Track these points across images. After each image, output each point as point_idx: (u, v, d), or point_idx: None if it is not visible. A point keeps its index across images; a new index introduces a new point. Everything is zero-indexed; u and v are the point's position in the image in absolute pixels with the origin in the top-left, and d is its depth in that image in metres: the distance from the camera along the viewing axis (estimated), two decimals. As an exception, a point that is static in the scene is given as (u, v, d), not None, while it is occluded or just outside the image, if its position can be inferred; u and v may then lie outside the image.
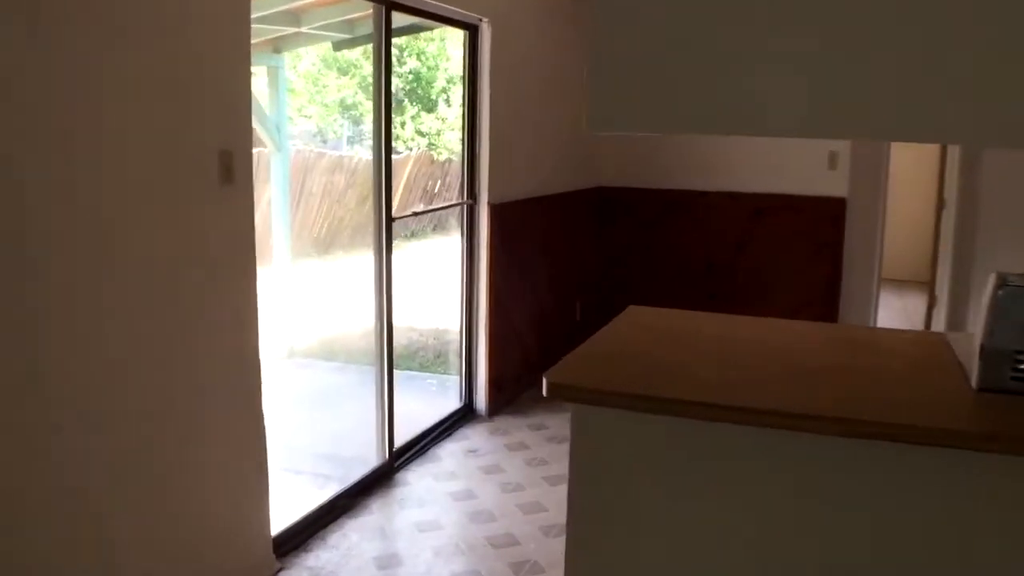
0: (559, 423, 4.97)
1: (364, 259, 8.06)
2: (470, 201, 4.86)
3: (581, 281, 6.61)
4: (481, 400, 5.11)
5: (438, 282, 8.28)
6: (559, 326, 6.15)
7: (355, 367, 6.57)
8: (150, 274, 2.60)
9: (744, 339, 2.74)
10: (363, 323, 7.52)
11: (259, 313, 3.07)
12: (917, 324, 7.62)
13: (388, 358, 4.25)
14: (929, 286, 7.32)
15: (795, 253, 6.59)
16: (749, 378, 2.27)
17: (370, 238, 4.09)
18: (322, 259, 9.55)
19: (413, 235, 10.51)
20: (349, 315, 7.44)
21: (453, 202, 4.90)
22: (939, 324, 7.24)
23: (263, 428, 3.17)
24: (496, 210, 4.89)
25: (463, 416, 5.04)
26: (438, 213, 11.88)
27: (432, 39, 12.58)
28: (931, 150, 8.54)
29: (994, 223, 7.31)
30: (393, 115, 4.04)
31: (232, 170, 2.86)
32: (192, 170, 2.74)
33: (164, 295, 2.66)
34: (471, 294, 4.97)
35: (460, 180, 4.88)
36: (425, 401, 5.70)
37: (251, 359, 3.08)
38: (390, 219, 4.09)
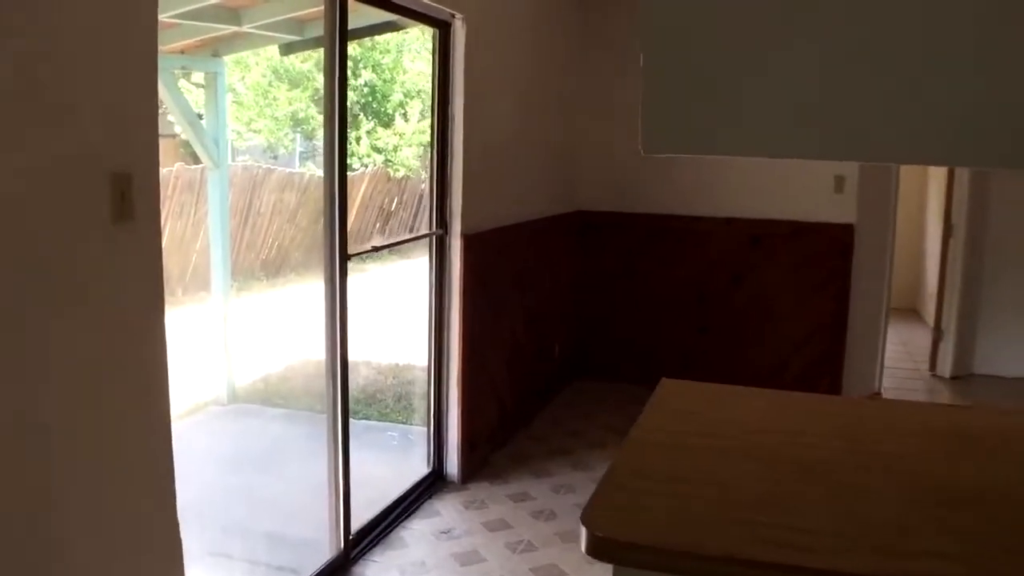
0: (543, 493, 4.23)
1: (317, 285, 7.28)
2: (440, 231, 4.11)
3: (560, 316, 5.89)
4: (452, 463, 4.35)
5: (398, 311, 7.52)
6: (536, 369, 5.42)
7: (306, 415, 5.78)
8: (17, 339, 1.82)
9: (818, 433, 2.04)
10: (316, 359, 6.77)
11: (168, 368, 2.31)
12: (921, 360, 7.00)
13: (342, 410, 3.49)
14: (936, 318, 6.70)
15: (797, 284, 5.93)
16: (846, 513, 1.57)
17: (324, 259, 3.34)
18: (272, 284, 8.74)
19: (369, 257, 9.77)
20: (300, 350, 6.65)
21: (419, 233, 4.17)
22: (946, 360, 6.64)
23: (173, 509, 2.37)
24: (470, 242, 4.16)
25: (432, 484, 4.28)
26: (397, 227, 11.08)
27: (388, 51, 11.90)
28: (923, 171, 7.97)
29: (1003, 249, 6.75)
30: (348, 129, 3.29)
31: (130, 199, 2.09)
32: (74, 200, 1.97)
33: (39, 361, 1.88)
34: (440, 341, 4.22)
35: (428, 206, 4.14)
36: (387, 461, 4.93)
37: (158, 425, 2.30)
38: (345, 256, 3.33)
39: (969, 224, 6.45)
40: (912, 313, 8.82)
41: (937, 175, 6.90)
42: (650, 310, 6.17)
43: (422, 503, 4.09)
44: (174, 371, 2.39)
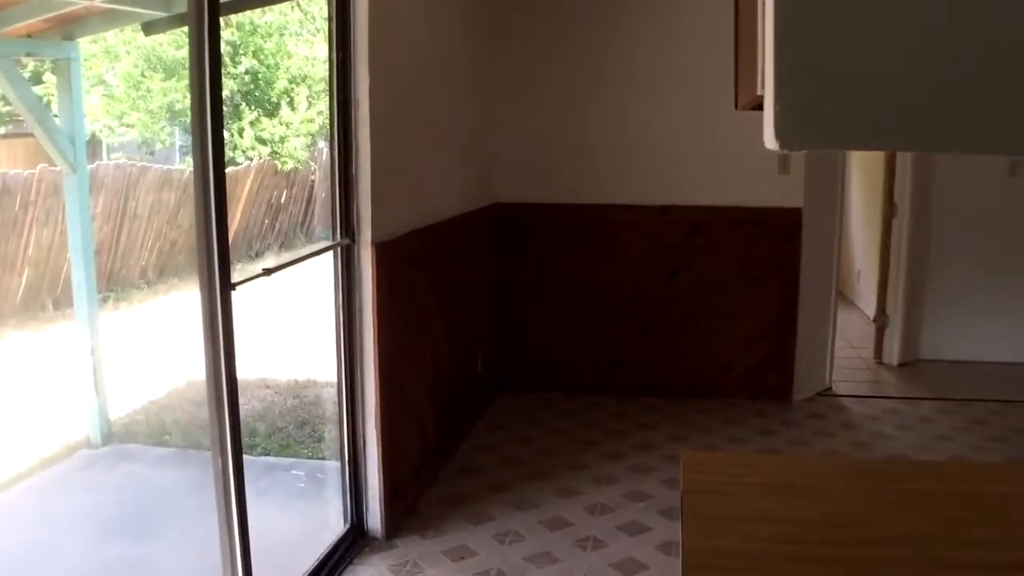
0: (486, 545, 3.58)
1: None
2: (346, 241, 3.39)
3: (482, 324, 5.23)
4: (374, 515, 3.65)
5: (295, 320, 6.71)
6: (459, 388, 4.75)
7: (194, 455, 4.98)
8: None
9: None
10: (203, 381, 5.94)
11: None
12: (861, 348, 6.60)
13: (234, 455, 2.75)
14: (880, 303, 6.29)
15: (742, 276, 5.41)
16: None
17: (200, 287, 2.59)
18: (153, 292, 7.82)
19: (258, 255, 8.98)
20: (184, 370, 5.84)
21: (320, 243, 3.43)
22: (892, 347, 6.24)
23: None
24: (383, 252, 3.45)
25: (352, 543, 3.57)
26: (287, 223, 10.23)
27: (270, 34, 11.04)
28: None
29: (946, 229, 6.38)
30: (228, 120, 2.54)
31: None
32: None
33: None
34: (352, 372, 3.50)
35: (331, 211, 3.40)
36: (294, 511, 4.19)
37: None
38: (228, 284, 2.59)
39: (913, 203, 6.04)
40: (840, 298, 8.45)
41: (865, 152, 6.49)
42: (580, 312, 5.57)
43: (341, 570, 3.38)
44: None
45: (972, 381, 5.94)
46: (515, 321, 5.60)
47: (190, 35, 2.45)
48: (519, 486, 4.18)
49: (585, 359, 5.61)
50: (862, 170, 7.81)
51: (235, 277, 2.63)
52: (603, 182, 5.42)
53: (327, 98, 3.32)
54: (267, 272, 2.76)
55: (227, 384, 2.67)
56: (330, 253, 3.38)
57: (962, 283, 6.30)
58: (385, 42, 3.40)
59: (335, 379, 3.54)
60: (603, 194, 5.43)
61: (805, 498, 1.58)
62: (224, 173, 2.52)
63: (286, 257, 2.92)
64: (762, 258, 5.37)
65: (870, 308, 7.72)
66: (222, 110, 2.49)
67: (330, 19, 3.28)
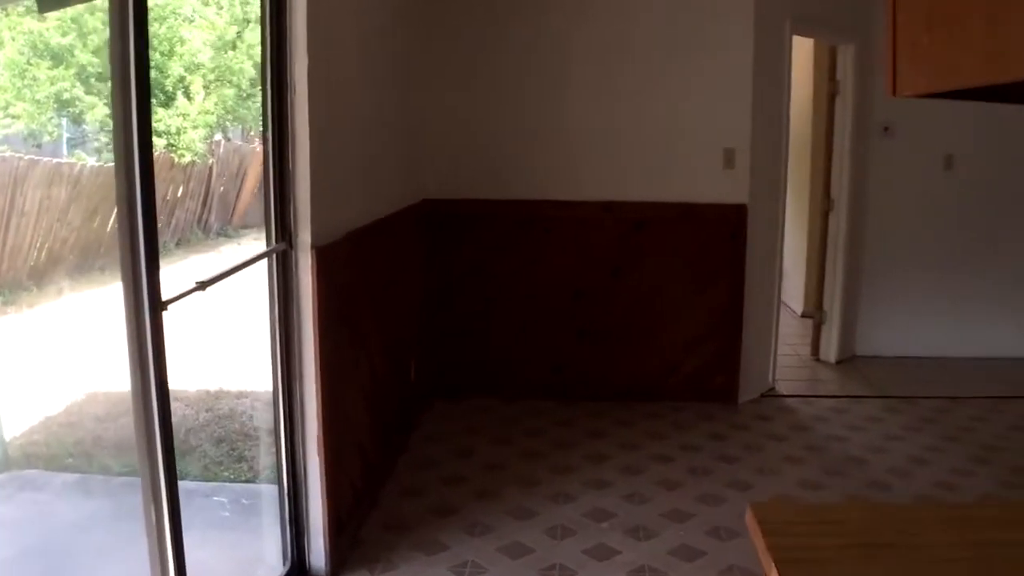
0: (444, 578, 3.25)
1: (95, 293, 5.81)
2: (282, 246, 3.01)
3: (414, 328, 4.88)
4: (318, 551, 3.28)
5: (211, 325, 6.23)
6: (395, 399, 4.40)
7: (101, 482, 4.51)
8: None
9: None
10: (108, 392, 5.37)
11: None
12: (795, 344, 6.50)
13: (167, 481, 2.36)
14: (817, 299, 6.19)
15: (688, 274, 5.20)
16: None
17: (104, 261, 2.20)
18: (43, 294, 7.19)
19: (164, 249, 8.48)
20: (85, 381, 5.33)
21: (255, 252, 3.02)
22: (830, 344, 6.14)
23: None
24: (324, 256, 3.07)
25: (293, 584, 3.20)
26: (184, 219, 9.70)
27: (164, 17, 10.39)
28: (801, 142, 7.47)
29: (885, 225, 6.31)
30: (150, 106, 2.14)
31: None
32: None
33: None
34: (290, 391, 3.12)
35: (264, 212, 3.01)
36: (221, 548, 3.77)
37: None
38: (158, 303, 2.20)
39: (851, 197, 5.94)
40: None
41: (797, 144, 6.36)
42: (518, 313, 5.27)
43: (283, 617, 3.01)
44: None
45: (912, 377, 5.88)
46: (448, 324, 5.27)
47: (111, 8, 2.05)
48: (468, 507, 3.86)
49: (524, 363, 5.32)
50: (792, 167, 7.72)
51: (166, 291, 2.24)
52: (541, 177, 5.13)
53: (260, 84, 2.93)
54: (201, 286, 2.37)
55: (159, 407, 2.28)
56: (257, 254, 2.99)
57: (897, 278, 6.24)
58: (323, 20, 3.02)
59: (271, 399, 3.16)
60: (541, 189, 5.14)
61: (912, 560, 1.31)
62: (152, 167, 2.13)
63: (218, 266, 2.53)
64: (708, 255, 5.17)
65: (796, 304, 7.67)
66: (149, 90, 2.10)
67: (261, -3, 2.89)
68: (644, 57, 5.00)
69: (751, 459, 4.44)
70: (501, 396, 5.29)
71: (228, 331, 5.71)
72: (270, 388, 3.14)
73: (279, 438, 3.17)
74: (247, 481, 4.38)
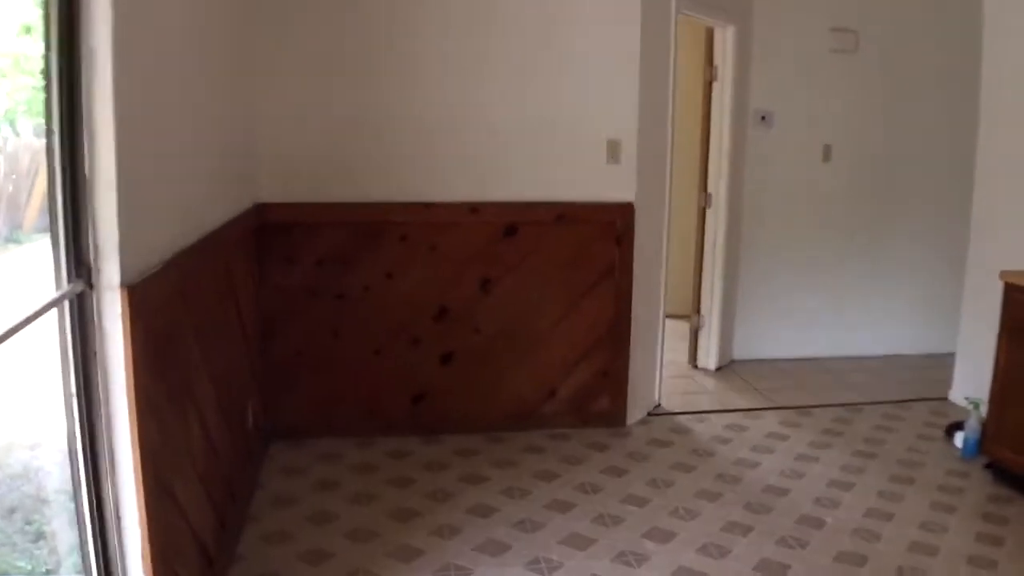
0: None
1: None
2: (78, 286, 2.05)
3: (249, 363, 3.97)
4: None
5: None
6: (231, 458, 3.48)
7: None
8: None
9: None
10: None
11: None
12: (673, 353, 5.98)
13: None
14: (695, 303, 5.69)
15: (566, 285, 4.54)
16: None
17: None
18: None
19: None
20: None
21: (41, 302, 2.04)
22: (709, 350, 5.66)
23: None
24: (138, 296, 2.13)
25: None
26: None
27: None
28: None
29: (763, 220, 5.88)
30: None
31: None
32: None
33: None
34: (99, 489, 2.18)
35: (52, 241, 2.04)
36: None
37: None
38: None
39: (730, 193, 5.46)
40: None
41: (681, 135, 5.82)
42: (371, 337, 4.44)
43: None
44: None
45: (799, 383, 5.48)
46: (288, 354, 4.37)
47: None
48: (337, 596, 3.02)
49: (380, 395, 4.49)
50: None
51: None
52: (396, 175, 4.32)
53: (45, 51, 1.97)
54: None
55: None
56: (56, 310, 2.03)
57: (773, 276, 5.85)
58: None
59: (71, 503, 2.20)
60: (396, 190, 4.33)
61: None
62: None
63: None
64: (590, 261, 4.52)
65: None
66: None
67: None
68: (516, 33, 4.28)
69: (663, 499, 3.82)
70: (355, 435, 4.45)
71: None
72: (69, 484, 2.19)
73: (87, 558, 2.22)
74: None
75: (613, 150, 4.41)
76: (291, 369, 4.39)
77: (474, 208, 4.38)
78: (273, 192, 4.21)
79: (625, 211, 4.48)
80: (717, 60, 5.29)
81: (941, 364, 5.70)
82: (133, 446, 2.10)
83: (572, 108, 4.37)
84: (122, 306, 2.03)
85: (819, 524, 3.60)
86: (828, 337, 6.00)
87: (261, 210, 4.18)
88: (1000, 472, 4.04)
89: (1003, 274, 3.94)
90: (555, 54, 4.33)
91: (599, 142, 4.40)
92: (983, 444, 4.15)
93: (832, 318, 5.98)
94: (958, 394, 5.10)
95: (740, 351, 5.92)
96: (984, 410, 4.26)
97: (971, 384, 4.94)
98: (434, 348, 4.51)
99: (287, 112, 4.17)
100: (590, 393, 4.67)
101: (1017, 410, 3.85)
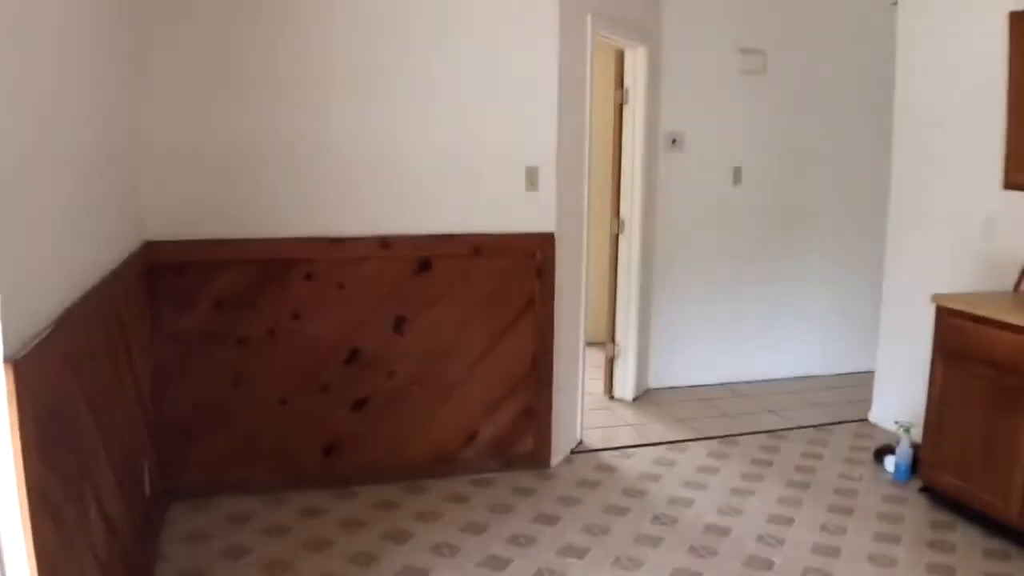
0: None
1: None
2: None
3: (144, 421, 3.55)
4: None
5: None
6: (130, 535, 3.06)
7: None
8: None
9: None
10: None
11: None
12: (594, 383, 5.79)
13: None
14: (610, 332, 5.53)
15: (485, 321, 4.29)
16: None
17: None
18: None
19: None
20: None
21: None
22: (626, 380, 5.50)
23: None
24: (26, 372, 1.75)
25: None
26: None
27: None
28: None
29: (674, 244, 5.77)
30: None
31: None
32: None
33: None
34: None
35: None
36: None
37: None
38: None
39: (643, 218, 5.32)
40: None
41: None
42: (276, 385, 4.07)
43: None
44: None
45: (718, 410, 5.36)
46: (186, 406, 3.96)
47: None
48: None
49: (288, 446, 4.13)
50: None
51: None
52: (299, 207, 3.98)
53: None
54: None
55: None
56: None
57: (686, 302, 5.74)
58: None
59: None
60: (300, 224, 3.99)
61: None
62: None
63: None
64: (510, 296, 4.28)
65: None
66: None
67: None
68: (429, 52, 4.02)
69: (602, 547, 3.59)
70: (262, 493, 4.07)
71: None
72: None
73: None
74: None
75: (532, 177, 4.19)
76: (190, 423, 3.98)
77: (385, 242, 4.08)
78: (163, 229, 3.81)
79: (545, 242, 4.26)
80: (628, 82, 5.15)
81: (857, 383, 5.71)
82: (28, 555, 1.72)
83: (489, 132, 4.14)
84: (7, 385, 1.66)
85: (768, 565, 3.43)
86: (743, 361, 5.93)
87: (151, 249, 3.78)
88: (936, 496, 3.99)
89: (935, 297, 3.90)
90: (470, 74, 4.09)
91: (517, 168, 4.18)
92: (918, 469, 4.09)
93: (746, 342, 5.91)
94: (878, 415, 5.07)
95: (655, 379, 5.78)
96: (915, 433, 4.21)
97: (891, 405, 4.92)
98: (345, 394, 4.18)
99: (177, 139, 3.78)
100: (512, 434, 4.42)
101: (955, 435, 3.79)
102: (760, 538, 3.67)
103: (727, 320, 5.84)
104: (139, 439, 3.37)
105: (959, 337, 3.75)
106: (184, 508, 3.89)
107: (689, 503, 4.04)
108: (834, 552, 3.55)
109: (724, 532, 3.74)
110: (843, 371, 6.08)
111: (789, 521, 3.84)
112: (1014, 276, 4.12)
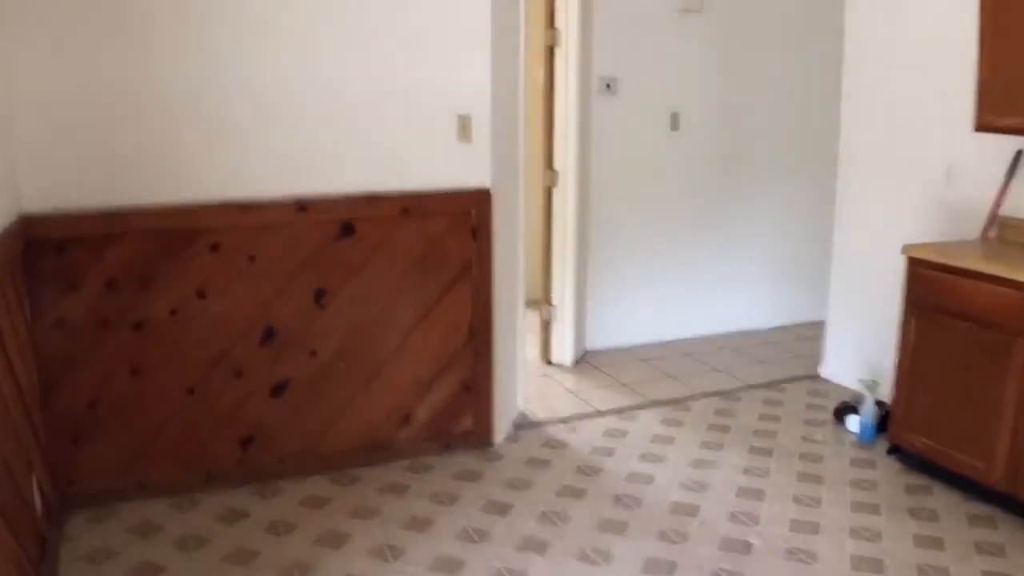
0: None
1: None
2: None
3: (29, 425, 3.03)
4: None
5: None
6: (21, 560, 2.57)
7: None
8: None
9: None
10: None
11: None
12: (529, 347, 5.42)
13: None
14: (545, 293, 5.17)
15: (416, 290, 3.87)
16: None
17: None
18: None
19: None
20: None
21: None
22: (564, 344, 5.15)
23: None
24: None
25: None
26: None
27: None
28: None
29: (610, 196, 5.39)
30: None
31: None
32: None
33: None
34: None
35: None
36: None
37: None
38: None
39: (578, 169, 4.93)
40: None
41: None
42: (181, 372, 3.57)
43: None
44: None
45: (663, 372, 5.08)
46: (78, 405, 3.42)
47: None
48: None
49: (199, 441, 3.64)
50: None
51: None
52: (200, 168, 3.45)
53: None
54: None
55: None
56: None
57: (622, 257, 5.40)
58: None
59: None
60: (203, 188, 3.47)
61: None
62: None
63: None
64: (444, 260, 3.86)
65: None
66: None
67: None
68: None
69: (564, 538, 3.24)
70: (173, 494, 3.59)
71: None
72: None
73: None
74: None
75: (464, 127, 3.74)
76: (84, 422, 3.45)
77: (302, 205, 3.59)
78: (40, 199, 3.24)
79: (481, 199, 3.84)
80: (559, 23, 4.72)
81: (799, 336, 5.50)
82: None
83: (414, 78, 3.66)
84: None
85: (746, 548, 3.14)
86: (683, 317, 5.64)
87: (27, 223, 3.21)
88: (906, 457, 3.77)
89: (906, 248, 3.63)
90: (396, 15, 3.60)
91: (448, 118, 3.73)
92: (888, 429, 3.86)
93: (686, 297, 5.63)
94: (832, 371, 4.85)
95: (593, 340, 5.44)
96: (880, 391, 3.98)
97: (845, 360, 4.70)
98: (262, 379, 3.69)
99: (55, 89, 3.19)
100: (451, 412, 4.02)
101: (929, 394, 3.55)
102: (732, 516, 3.38)
103: (666, 274, 5.53)
104: (23, 449, 2.85)
105: (934, 289, 3.50)
106: (84, 520, 3.37)
107: (649, 479, 3.73)
108: (813, 528, 3.28)
109: (692, 512, 3.43)
110: (783, 323, 5.86)
111: (759, 494, 3.57)
112: (976, 224, 3.89)
